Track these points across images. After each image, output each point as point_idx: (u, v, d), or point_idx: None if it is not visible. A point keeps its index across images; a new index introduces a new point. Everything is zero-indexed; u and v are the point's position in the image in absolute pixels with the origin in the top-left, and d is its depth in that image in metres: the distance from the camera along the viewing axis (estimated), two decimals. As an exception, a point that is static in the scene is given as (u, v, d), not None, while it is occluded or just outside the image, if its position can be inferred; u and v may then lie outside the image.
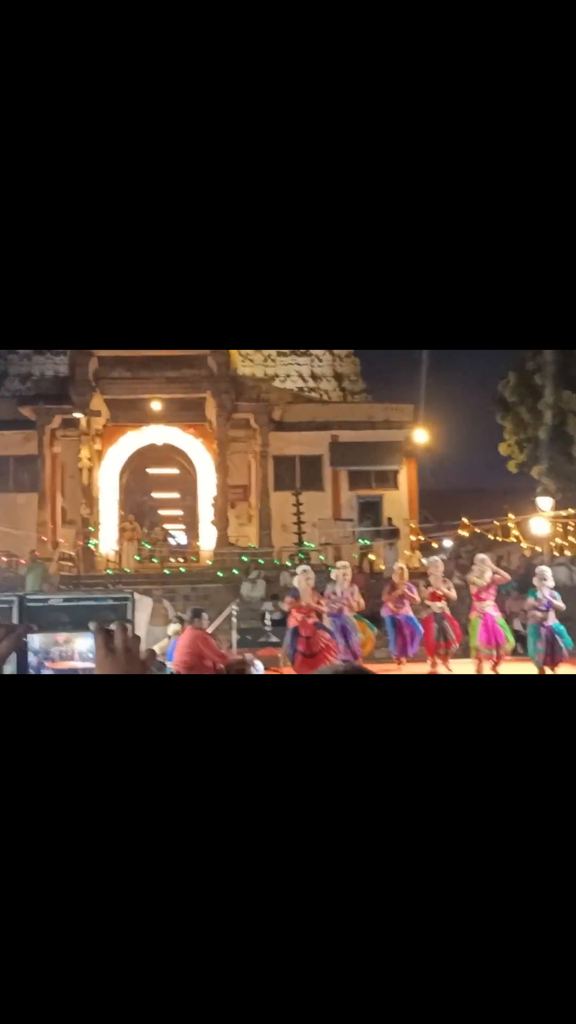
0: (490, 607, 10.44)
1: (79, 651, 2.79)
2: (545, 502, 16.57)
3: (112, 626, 1.57)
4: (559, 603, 10.00)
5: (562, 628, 9.98)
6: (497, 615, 10.52)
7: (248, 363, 28.36)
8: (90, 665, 2.91)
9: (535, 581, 10.27)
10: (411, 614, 11.56)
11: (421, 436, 24.00)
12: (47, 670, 2.97)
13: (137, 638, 1.57)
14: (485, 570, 10.57)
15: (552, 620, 9.85)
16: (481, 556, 11.13)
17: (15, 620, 2.83)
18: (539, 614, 9.87)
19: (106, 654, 1.52)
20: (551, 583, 10.11)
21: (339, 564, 12.38)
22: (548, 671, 9.75)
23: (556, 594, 10.13)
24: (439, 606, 11.15)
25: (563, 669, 9.87)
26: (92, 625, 1.60)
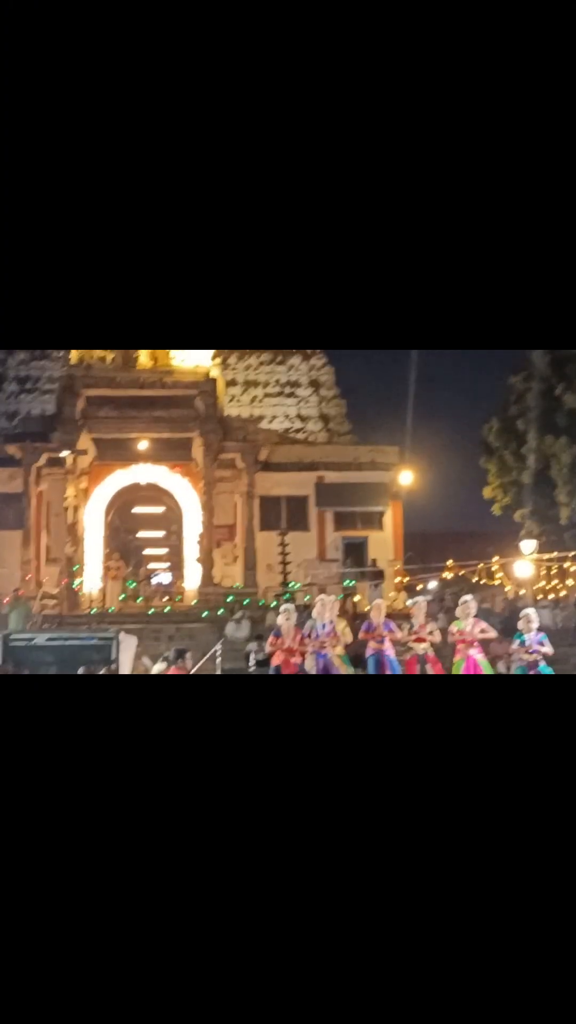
0: (474, 650, 10.42)
1: None
2: (528, 545, 16.68)
3: (102, 672, 1.60)
4: (547, 648, 10.01)
5: (549, 671, 9.96)
6: (480, 658, 10.49)
7: (235, 404, 28.54)
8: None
9: (520, 624, 10.26)
10: (392, 654, 11.51)
11: (406, 478, 24.16)
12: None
13: None
14: (470, 612, 10.57)
15: (541, 663, 9.84)
16: (466, 598, 11.13)
17: None
18: (527, 658, 9.85)
19: None
20: (537, 625, 10.12)
21: (319, 598, 12.36)
22: None
23: (543, 637, 10.14)
24: (423, 647, 11.12)
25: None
26: (81, 670, 1.64)
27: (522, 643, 9.94)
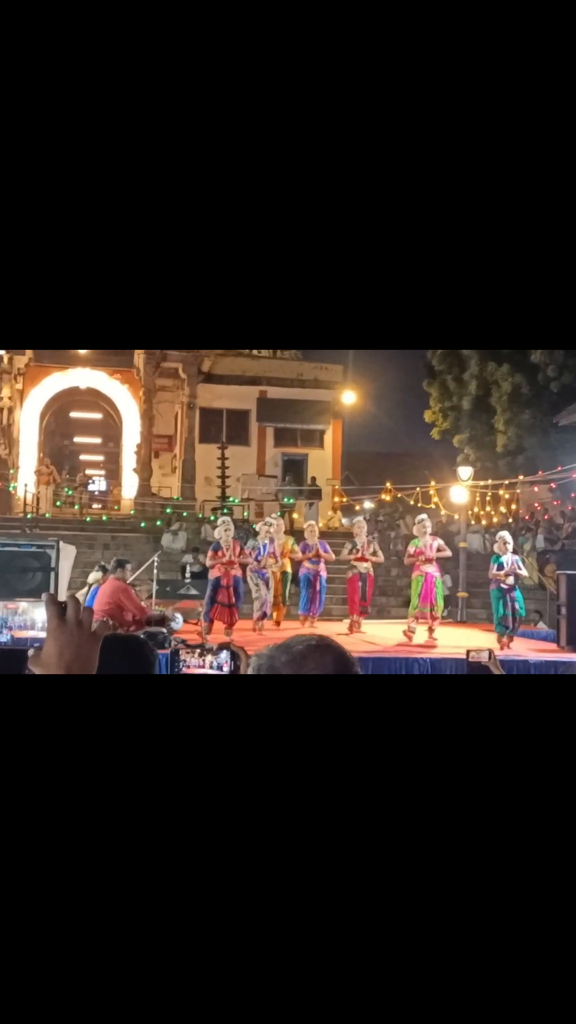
0: (431, 568, 10.61)
1: (39, 621, 2.76)
2: (465, 471, 16.92)
3: (64, 598, 1.58)
4: (523, 570, 10.28)
5: (520, 594, 10.22)
6: (438, 576, 10.71)
7: (179, 311, 27.84)
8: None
9: (496, 547, 10.45)
10: (324, 575, 11.73)
11: (349, 397, 24.14)
12: (4, 637, 2.95)
13: (89, 610, 1.58)
14: (426, 531, 10.71)
15: (511, 583, 10.03)
16: (421, 517, 11.25)
17: None
18: (506, 580, 10.00)
19: (58, 625, 1.52)
20: (512, 546, 10.30)
21: (265, 519, 12.42)
22: (504, 637, 9.99)
23: (519, 559, 10.38)
24: (364, 567, 11.32)
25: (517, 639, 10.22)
26: (44, 596, 1.63)
27: (500, 566, 10.09)
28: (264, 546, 11.25)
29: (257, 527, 11.70)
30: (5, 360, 20.92)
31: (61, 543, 8.23)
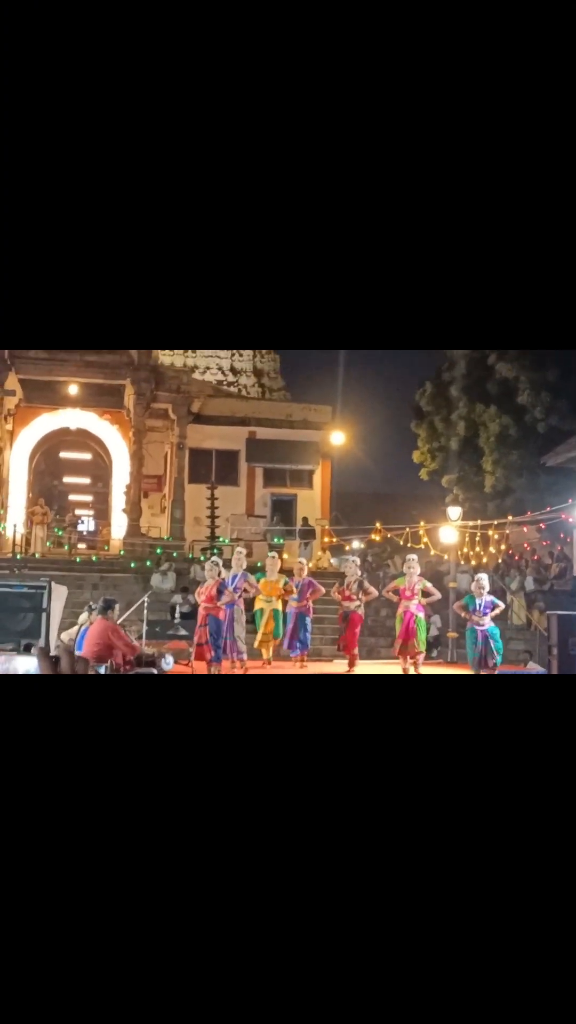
0: (414, 606, 10.67)
1: (23, 668, 2.72)
2: (454, 511, 17.01)
3: (56, 651, 1.56)
4: (501, 605, 10.45)
5: (496, 631, 10.35)
6: (419, 615, 10.75)
7: (168, 353, 28.09)
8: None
9: (473, 588, 10.61)
10: (310, 615, 11.73)
11: (338, 438, 24.26)
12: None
13: (83, 660, 1.57)
14: (413, 571, 10.81)
15: (488, 624, 10.20)
16: (411, 556, 11.38)
17: None
18: (480, 621, 10.21)
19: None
20: (488, 589, 10.45)
21: (236, 550, 12.45)
22: (483, 672, 10.06)
23: (494, 600, 10.51)
24: (353, 605, 11.33)
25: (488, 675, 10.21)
26: (35, 649, 1.62)
27: (473, 609, 10.25)
28: (233, 577, 11.25)
29: (231, 558, 11.70)
30: (-5, 401, 20.99)
31: (53, 583, 8.20)
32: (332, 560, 21.53)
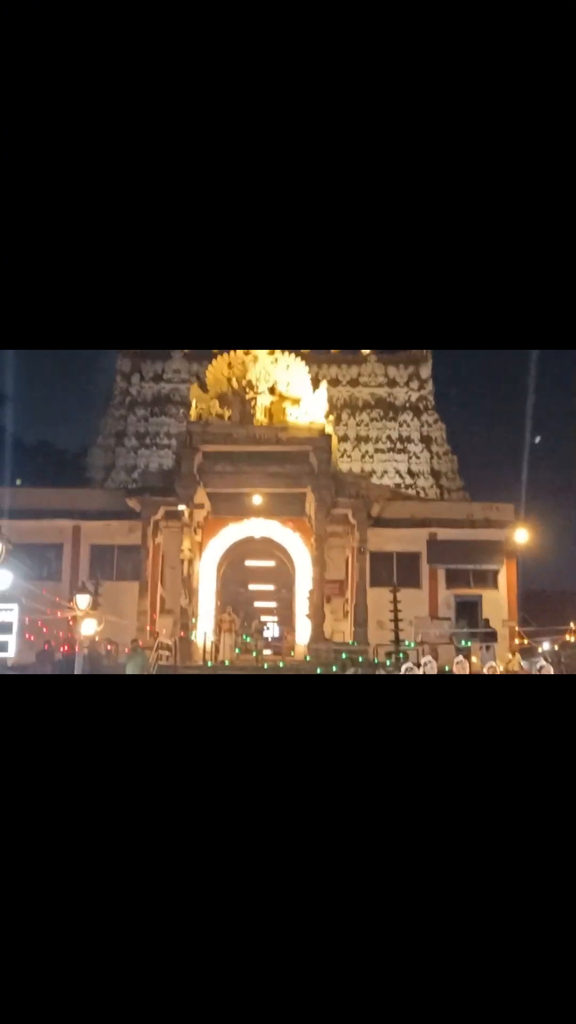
0: None
1: None
2: None
3: None
4: None
5: None
6: None
7: (347, 459, 28.71)
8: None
9: None
10: None
11: (522, 536, 23.64)
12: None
13: None
14: None
15: None
16: None
17: None
18: None
19: None
20: None
21: (424, 660, 12.16)
22: None
23: None
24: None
25: None
26: None
27: None
28: None
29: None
30: (186, 515, 22.15)
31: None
32: (523, 663, 20.66)
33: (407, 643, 20.72)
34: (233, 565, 27.32)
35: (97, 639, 18.75)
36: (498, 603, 23.52)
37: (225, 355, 23.62)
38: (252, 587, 33.17)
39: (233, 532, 24.27)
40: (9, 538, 13.60)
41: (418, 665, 15.53)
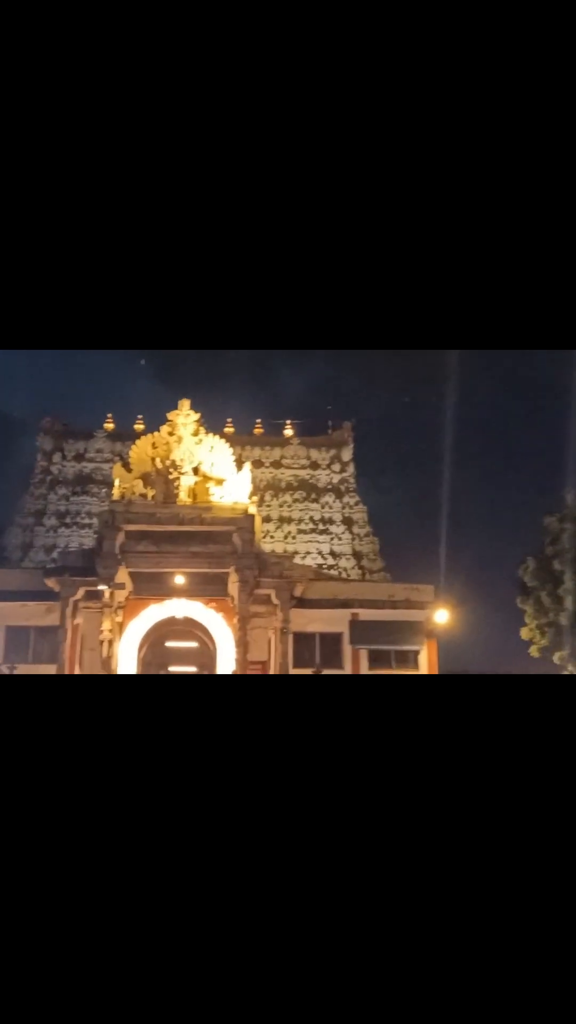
0: None
1: None
2: (571, 688, 16.34)
3: None
4: None
5: None
6: None
7: (269, 539, 28.83)
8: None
9: None
10: None
11: (442, 616, 23.96)
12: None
13: None
14: None
15: None
16: None
17: None
18: None
19: None
20: None
21: None
22: None
23: None
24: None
25: None
26: None
27: None
28: None
29: None
30: (106, 595, 21.76)
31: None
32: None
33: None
34: (154, 647, 26.80)
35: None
36: (420, 684, 23.64)
37: (149, 435, 23.72)
38: (173, 669, 32.54)
39: (154, 613, 23.90)
40: None
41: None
